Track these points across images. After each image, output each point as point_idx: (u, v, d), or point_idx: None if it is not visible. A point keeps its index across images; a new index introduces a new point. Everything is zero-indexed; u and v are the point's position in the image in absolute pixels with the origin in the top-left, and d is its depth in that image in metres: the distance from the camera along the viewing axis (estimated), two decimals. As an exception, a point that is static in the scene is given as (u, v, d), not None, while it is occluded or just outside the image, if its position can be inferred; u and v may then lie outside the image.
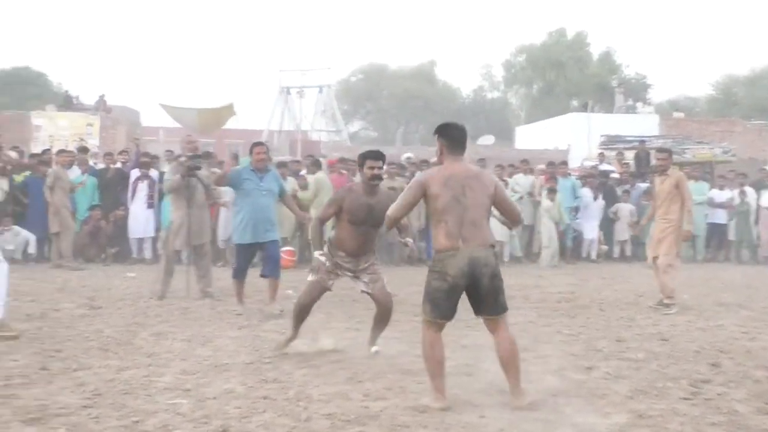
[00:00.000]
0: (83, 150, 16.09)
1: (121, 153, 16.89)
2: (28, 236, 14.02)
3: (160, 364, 6.64)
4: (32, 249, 14.15)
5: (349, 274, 6.93)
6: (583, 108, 37.61)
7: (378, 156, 6.82)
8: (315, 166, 15.10)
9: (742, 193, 17.43)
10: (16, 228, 13.94)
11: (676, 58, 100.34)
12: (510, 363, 5.33)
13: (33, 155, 16.74)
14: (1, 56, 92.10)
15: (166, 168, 13.82)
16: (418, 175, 5.66)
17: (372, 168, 6.70)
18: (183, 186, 9.84)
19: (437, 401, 5.30)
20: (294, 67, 36.88)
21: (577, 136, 31.26)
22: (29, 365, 6.51)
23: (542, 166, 18.00)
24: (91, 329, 8.09)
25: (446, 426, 4.99)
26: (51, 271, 13.30)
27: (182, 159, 10.09)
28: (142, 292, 10.73)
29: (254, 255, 9.67)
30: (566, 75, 56.46)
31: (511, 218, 5.67)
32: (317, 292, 6.88)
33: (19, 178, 14.76)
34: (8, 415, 5.13)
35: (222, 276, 11.71)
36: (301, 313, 6.90)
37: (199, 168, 9.78)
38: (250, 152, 9.41)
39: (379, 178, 6.81)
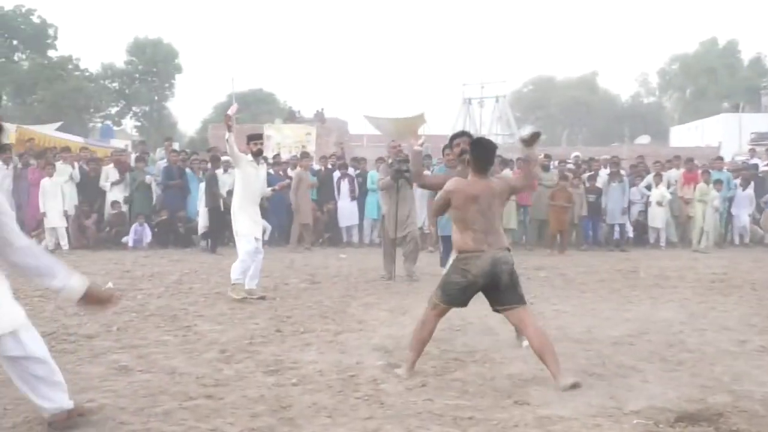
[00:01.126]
0: (305, 155, 16.75)
1: (330, 156, 17.46)
2: (266, 225, 13.91)
3: (368, 329, 6.84)
4: (267, 237, 14.40)
5: None
6: (735, 109, 35.24)
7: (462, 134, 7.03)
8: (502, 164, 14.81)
9: None
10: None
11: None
12: (545, 353, 4.97)
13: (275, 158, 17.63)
14: (241, 80, 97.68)
15: (374, 170, 14.33)
16: (448, 184, 5.31)
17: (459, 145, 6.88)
18: (393, 186, 10.02)
19: (407, 372, 5.23)
20: (474, 81, 36.54)
21: (728, 134, 29.35)
22: (267, 328, 6.88)
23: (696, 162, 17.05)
24: (313, 300, 8.43)
25: (612, 387, 4.86)
26: (280, 252, 13.73)
27: (390, 162, 10.36)
28: (351, 270, 11.07)
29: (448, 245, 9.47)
30: (717, 80, 53.10)
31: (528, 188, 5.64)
32: None
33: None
34: (252, 366, 5.47)
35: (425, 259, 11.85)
36: None
37: (407, 170, 9.51)
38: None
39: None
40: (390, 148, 10.86)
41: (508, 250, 5.25)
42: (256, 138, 8.78)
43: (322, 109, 35.02)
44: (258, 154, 8.65)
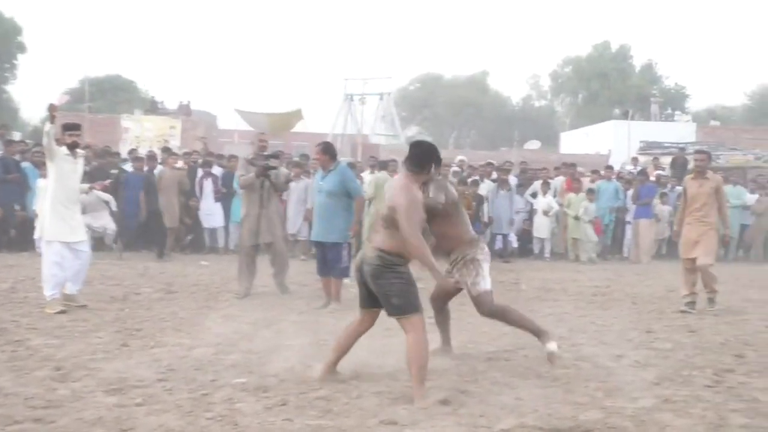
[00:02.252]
0: (166, 150, 16.37)
1: (192, 153, 17.19)
2: (108, 227, 13.13)
3: (228, 343, 6.77)
4: (108, 240, 13.75)
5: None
6: (624, 116, 37.09)
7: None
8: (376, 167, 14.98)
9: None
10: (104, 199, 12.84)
11: (714, 70, 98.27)
12: (409, 365, 5.16)
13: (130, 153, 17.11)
14: (97, 65, 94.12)
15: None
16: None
17: None
18: (257, 185, 9.32)
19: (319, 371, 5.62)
20: (357, 76, 36.76)
21: (618, 142, 30.81)
22: (112, 342, 6.73)
23: (581, 169, 17.83)
24: (167, 311, 8.28)
25: (483, 404, 5.04)
26: (133, 259, 13.35)
27: (251, 157, 9.58)
28: (213, 279, 10.92)
29: (323, 252, 8.98)
30: (609, 85, 55.76)
31: None
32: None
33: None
34: (93, 385, 5.32)
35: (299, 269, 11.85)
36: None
37: (274, 168, 9.34)
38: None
39: None
40: (256, 140, 9.96)
41: (381, 251, 5.26)
42: (72, 129, 8.42)
43: (188, 101, 34.47)
44: (73, 147, 8.29)
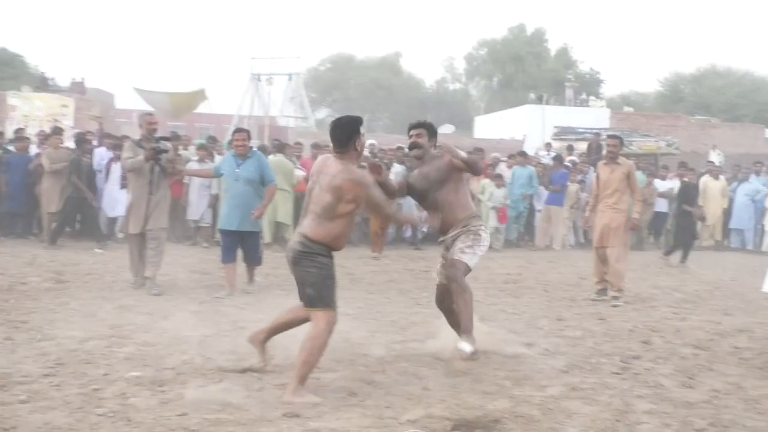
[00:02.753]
0: (57, 131, 15.79)
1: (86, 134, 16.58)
2: None
3: (122, 335, 6.64)
4: None
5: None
6: (539, 100, 37.84)
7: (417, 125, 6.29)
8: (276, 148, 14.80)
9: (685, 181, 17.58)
10: None
11: (628, 56, 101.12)
12: (298, 356, 5.12)
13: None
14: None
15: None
16: None
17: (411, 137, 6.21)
18: (146, 169, 8.67)
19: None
20: (264, 55, 36.48)
21: (532, 126, 31.40)
22: (-6, 335, 6.50)
23: (496, 155, 18.07)
24: (56, 302, 8.04)
25: (390, 395, 5.10)
26: (20, 246, 12.87)
27: (139, 139, 8.92)
28: (108, 268, 10.66)
29: (237, 241, 8.87)
30: (525, 69, 56.80)
31: None
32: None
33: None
34: (-28, 382, 5.14)
35: (190, 254, 11.72)
36: None
37: (165, 151, 8.74)
38: (231, 140, 9.05)
39: (418, 146, 6.22)
40: (145, 122, 9.02)
41: (307, 237, 5.20)
42: None
43: (83, 79, 33.44)
44: None
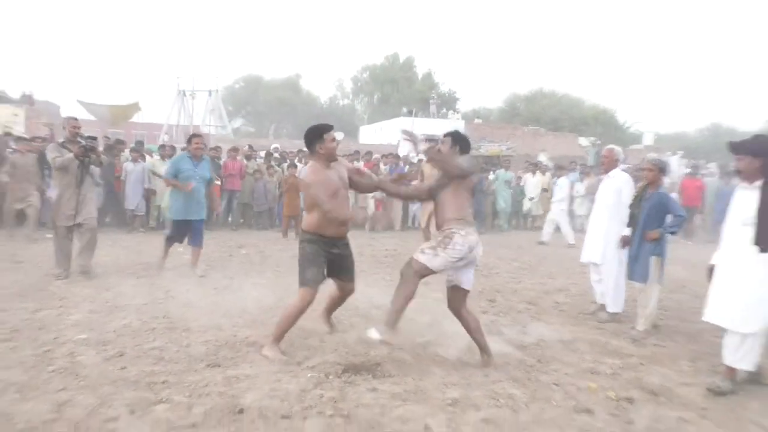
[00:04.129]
0: (20, 139, 14.63)
1: (33, 139, 15.55)
2: None
3: (70, 306, 6.36)
4: None
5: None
6: (410, 114, 38.30)
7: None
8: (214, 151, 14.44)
9: (518, 178, 18.11)
10: None
11: (478, 79, 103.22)
12: (278, 320, 5.13)
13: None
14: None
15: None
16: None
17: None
18: (73, 166, 7.77)
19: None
20: (188, 74, 35.53)
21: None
22: (-43, 308, 6.10)
23: (377, 156, 18.16)
24: (11, 280, 7.57)
25: (293, 347, 5.08)
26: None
27: (62, 141, 7.95)
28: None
29: (188, 228, 8.46)
30: (398, 89, 57.24)
31: None
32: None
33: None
34: (-64, 347, 4.82)
35: (129, 238, 11.29)
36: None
37: (94, 149, 7.89)
38: (188, 142, 8.51)
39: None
40: (69, 126, 8.04)
41: (302, 229, 5.17)
42: None
43: (31, 92, 31.63)
44: None
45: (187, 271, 8.40)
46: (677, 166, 20.61)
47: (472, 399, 4.17)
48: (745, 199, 4.66)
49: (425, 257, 4.71)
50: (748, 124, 45.59)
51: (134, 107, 30.53)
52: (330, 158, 5.14)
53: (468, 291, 4.96)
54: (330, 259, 5.14)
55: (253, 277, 8.27)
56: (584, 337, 5.94)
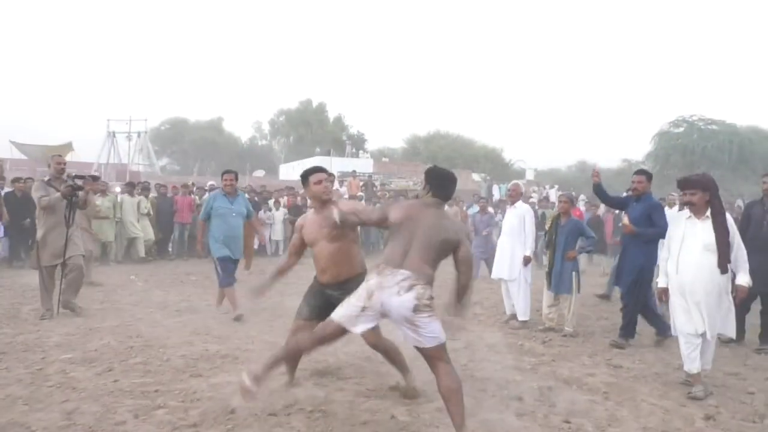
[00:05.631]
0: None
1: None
2: None
3: (46, 329, 6.23)
4: None
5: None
6: (327, 153, 38.81)
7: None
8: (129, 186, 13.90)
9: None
10: None
11: (383, 122, 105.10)
12: None
13: None
14: None
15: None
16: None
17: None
18: (60, 205, 7.02)
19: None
20: (118, 117, 34.58)
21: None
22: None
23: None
24: (-18, 308, 7.29)
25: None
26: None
27: (47, 179, 7.22)
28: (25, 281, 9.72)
29: (236, 266, 7.38)
30: (312, 131, 57.55)
31: None
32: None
33: None
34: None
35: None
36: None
37: (81, 188, 7.18)
38: (222, 178, 7.50)
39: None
40: (54, 162, 7.42)
41: None
42: None
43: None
44: None
45: (145, 296, 8.33)
46: (555, 198, 21.93)
47: (425, 393, 4.47)
48: (698, 229, 4.76)
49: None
50: (608, 162, 48.73)
51: (67, 147, 29.64)
52: (317, 200, 4.47)
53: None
54: (331, 302, 4.11)
55: (206, 300, 8.30)
56: (503, 341, 6.39)
